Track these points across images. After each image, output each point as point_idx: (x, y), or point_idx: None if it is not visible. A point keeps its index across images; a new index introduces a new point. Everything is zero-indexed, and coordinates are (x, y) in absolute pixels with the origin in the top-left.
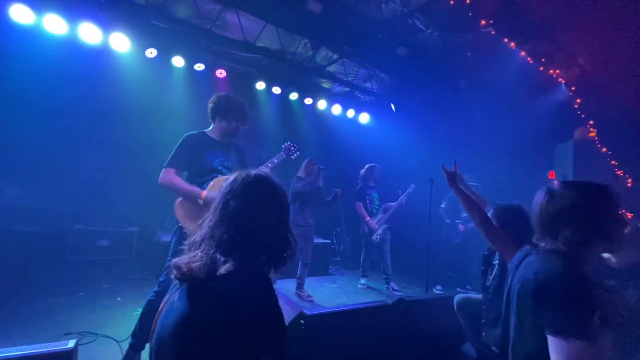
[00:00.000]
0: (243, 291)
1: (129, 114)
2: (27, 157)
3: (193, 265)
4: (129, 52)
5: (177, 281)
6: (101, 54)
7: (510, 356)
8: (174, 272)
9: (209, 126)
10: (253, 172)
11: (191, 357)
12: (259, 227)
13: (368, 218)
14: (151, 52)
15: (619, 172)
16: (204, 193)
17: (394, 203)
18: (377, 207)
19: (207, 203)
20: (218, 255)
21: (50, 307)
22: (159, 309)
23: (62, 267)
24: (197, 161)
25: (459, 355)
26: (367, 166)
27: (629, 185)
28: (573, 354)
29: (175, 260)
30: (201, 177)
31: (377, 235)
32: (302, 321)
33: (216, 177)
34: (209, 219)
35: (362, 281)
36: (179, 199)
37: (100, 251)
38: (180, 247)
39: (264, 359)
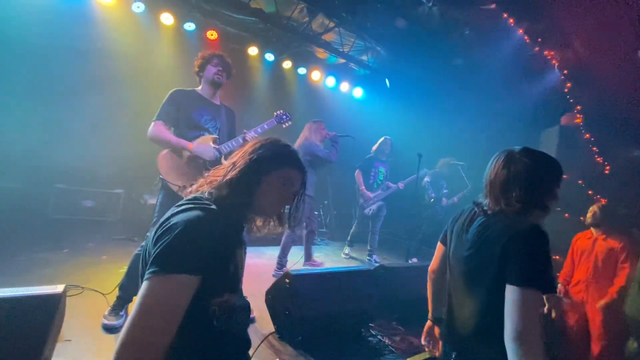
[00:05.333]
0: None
1: (113, 72)
2: (7, 114)
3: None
4: (113, 4)
5: None
6: (83, 4)
7: (457, 312)
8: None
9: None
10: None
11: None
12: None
13: (363, 187)
14: (138, 7)
15: (598, 159)
16: (192, 144)
17: (394, 185)
18: (379, 182)
19: (193, 156)
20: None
21: (34, 262)
22: None
23: (45, 225)
24: (184, 116)
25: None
26: (381, 139)
27: (606, 172)
28: (530, 302)
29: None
30: (188, 133)
31: (370, 209)
32: (287, 280)
33: (203, 134)
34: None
35: (347, 250)
36: (164, 152)
37: (85, 211)
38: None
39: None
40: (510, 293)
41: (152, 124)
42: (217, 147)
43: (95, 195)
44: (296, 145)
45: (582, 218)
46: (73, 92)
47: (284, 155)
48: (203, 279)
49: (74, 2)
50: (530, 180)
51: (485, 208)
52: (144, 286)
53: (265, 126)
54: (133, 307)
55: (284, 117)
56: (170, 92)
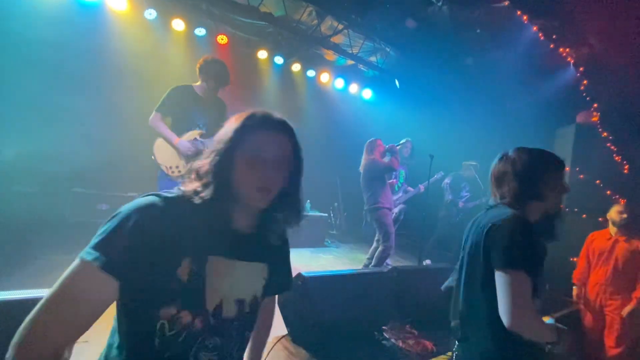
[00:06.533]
0: None
1: (127, 77)
2: (25, 119)
3: None
4: (126, 11)
5: None
6: (97, 12)
7: (461, 306)
8: None
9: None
10: None
11: None
12: None
13: None
14: (150, 14)
15: (617, 158)
16: (177, 139)
17: (413, 189)
18: (400, 184)
19: (177, 148)
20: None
21: (54, 264)
22: None
23: (63, 229)
24: (179, 112)
25: (447, 323)
26: (402, 141)
27: (625, 171)
28: (516, 282)
29: None
30: (180, 127)
31: (392, 212)
32: (299, 282)
33: (192, 129)
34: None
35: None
36: (160, 139)
37: (100, 214)
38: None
39: None
40: (498, 278)
41: (153, 113)
42: (201, 140)
43: (109, 199)
44: (361, 169)
45: (600, 219)
46: (87, 97)
47: (247, 118)
48: (125, 284)
49: (87, 9)
50: (519, 172)
51: (489, 204)
52: None
53: None
54: None
55: None
56: (171, 88)
